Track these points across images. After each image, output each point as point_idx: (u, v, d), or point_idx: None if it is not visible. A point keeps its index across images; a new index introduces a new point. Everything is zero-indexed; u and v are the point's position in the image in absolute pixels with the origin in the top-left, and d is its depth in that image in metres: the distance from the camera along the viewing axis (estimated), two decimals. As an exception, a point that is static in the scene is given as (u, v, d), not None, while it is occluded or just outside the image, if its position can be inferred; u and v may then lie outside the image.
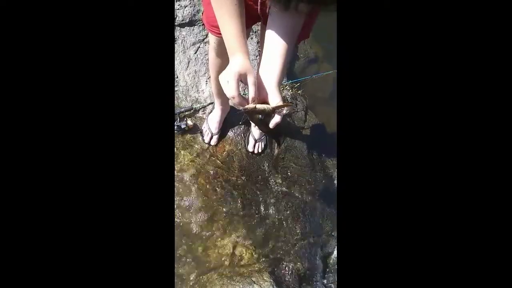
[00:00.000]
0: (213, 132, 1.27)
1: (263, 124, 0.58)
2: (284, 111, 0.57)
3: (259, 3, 0.75)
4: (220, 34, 0.70)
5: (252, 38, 1.56)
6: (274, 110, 0.56)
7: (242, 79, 0.57)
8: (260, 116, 0.57)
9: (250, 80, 0.57)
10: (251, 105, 0.56)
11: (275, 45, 0.61)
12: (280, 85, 0.59)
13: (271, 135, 0.65)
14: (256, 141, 1.31)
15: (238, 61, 0.57)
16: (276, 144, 0.67)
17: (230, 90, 0.56)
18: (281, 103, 0.57)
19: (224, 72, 0.58)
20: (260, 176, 1.28)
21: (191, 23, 1.45)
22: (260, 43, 1.06)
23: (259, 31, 1.56)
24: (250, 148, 1.31)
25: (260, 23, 0.92)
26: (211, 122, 1.27)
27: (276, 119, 0.57)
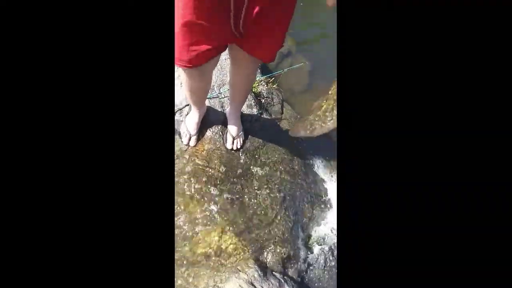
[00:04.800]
0: (192, 133, 1.31)
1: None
2: None
3: (232, 23, 0.75)
4: (190, 65, 0.81)
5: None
6: None
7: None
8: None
9: None
10: None
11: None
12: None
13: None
14: (234, 138, 1.37)
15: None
16: None
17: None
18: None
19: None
20: (240, 169, 1.34)
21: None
22: (231, 63, 1.05)
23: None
24: (228, 146, 1.36)
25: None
26: (189, 124, 1.31)
27: None
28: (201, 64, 0.85)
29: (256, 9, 0.71)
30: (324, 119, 0.51)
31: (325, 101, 0.51)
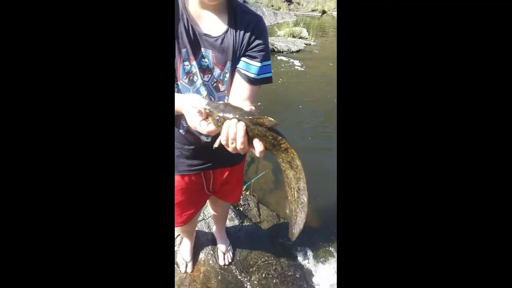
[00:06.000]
0: (187, 260, 1.49)
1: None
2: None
3: (205, 188, 1.12)
4: (183, 224, 1.15)
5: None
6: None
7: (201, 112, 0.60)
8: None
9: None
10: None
11: None
12: None
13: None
14: (224, 254, 1.56)
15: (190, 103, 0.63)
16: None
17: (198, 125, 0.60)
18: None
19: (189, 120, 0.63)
20: (235, 284, 1.49)
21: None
22: (210, 202, 1.42)
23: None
24: (221, 262, 1.54)
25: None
26: (184, 252, 1.51)
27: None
28: (190, 221, 1.19)
29: (219, 181, 1.11)
30: (298, 213, 0.61)
31: (289, 204, 0.62)
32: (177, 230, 1.48)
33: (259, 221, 1.93)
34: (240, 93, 0.80)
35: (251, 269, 1.57)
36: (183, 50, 0.75)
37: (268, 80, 0.83)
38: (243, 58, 0.79)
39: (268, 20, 6.55)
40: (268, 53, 0.82)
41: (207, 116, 0.59)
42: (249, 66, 0.79)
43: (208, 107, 0.58)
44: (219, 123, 0.57)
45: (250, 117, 0.55)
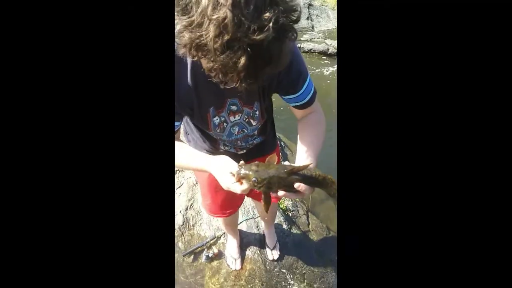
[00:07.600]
0: (235, 257, 1.55)
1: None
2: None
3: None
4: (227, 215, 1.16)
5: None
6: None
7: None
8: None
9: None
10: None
11: None
12: None
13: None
14: (271, 250, 1.59)
15: (218, 166, 0.68)
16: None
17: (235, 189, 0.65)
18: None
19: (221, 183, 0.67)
20: (279, 286, 1.50)
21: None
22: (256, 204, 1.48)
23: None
24: (269, 257, 1.57)
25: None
26: (231, 249, 1.57)
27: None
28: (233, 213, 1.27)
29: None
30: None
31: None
32: (222, 226, 1.54)
33: (307, 231, 1.89)
34: (301, 118, 0.85)
35: (296, 277, 1.55)
36: (210, 109, 0.75)
37: (315, 93, 0.82)
38: (282, 94, 0.80)
39: (333, 24, 6.39)
40: (304, 73, 0.76)
41: (240, 178, 0.64)
42: (290, 99, 0.79)
43: (242, 171, 0.64)
44: (256, 183, 0.63)
45: (285, 170, 0.63)
